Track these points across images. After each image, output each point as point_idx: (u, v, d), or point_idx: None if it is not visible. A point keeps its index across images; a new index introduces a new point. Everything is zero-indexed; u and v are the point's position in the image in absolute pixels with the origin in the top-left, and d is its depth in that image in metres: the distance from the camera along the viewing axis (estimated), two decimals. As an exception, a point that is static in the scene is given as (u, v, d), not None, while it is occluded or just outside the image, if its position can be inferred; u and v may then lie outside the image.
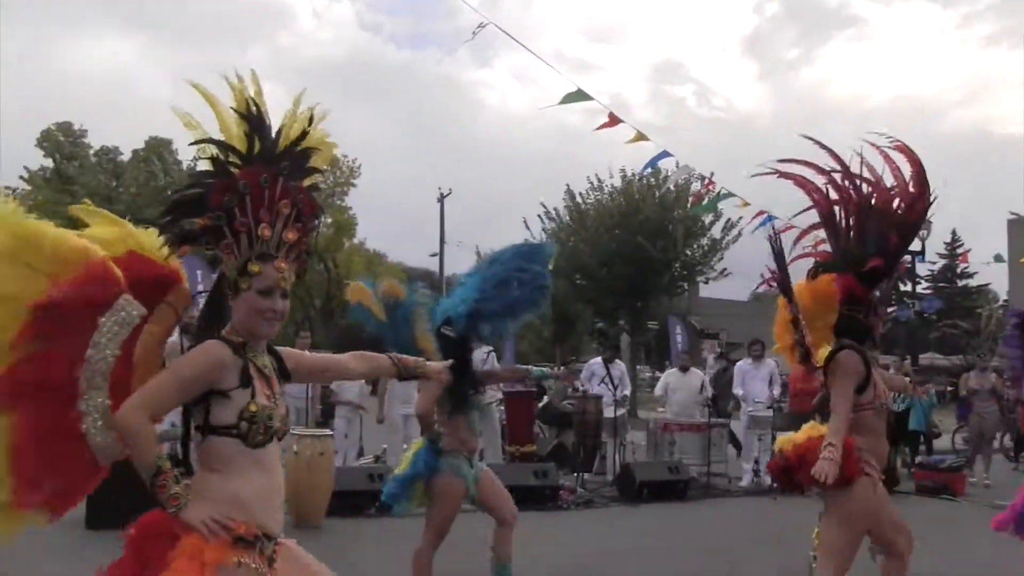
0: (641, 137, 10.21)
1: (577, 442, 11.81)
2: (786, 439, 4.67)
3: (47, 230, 2.42)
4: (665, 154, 11.09)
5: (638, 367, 31.87)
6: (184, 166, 35.75)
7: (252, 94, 2.70)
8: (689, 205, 25.79)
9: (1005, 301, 42.48)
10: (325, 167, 2.91)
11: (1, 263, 2.35)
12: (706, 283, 32.60)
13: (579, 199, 29.86)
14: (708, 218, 28.36)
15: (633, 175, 28.87)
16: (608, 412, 11.73)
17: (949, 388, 22.08)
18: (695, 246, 29.69)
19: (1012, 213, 42.99)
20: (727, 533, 8.75)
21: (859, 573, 4.54)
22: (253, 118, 2.65)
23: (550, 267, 5.23)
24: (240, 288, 2.64)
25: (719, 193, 10.71)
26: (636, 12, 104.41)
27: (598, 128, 9.85)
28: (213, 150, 2.69)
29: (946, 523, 9.23)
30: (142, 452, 2.50)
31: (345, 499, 8.56)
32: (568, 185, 30.17)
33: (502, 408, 12.09)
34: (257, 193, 2.63)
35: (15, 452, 2.38)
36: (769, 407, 11.81)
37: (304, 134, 2.75)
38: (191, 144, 2.68)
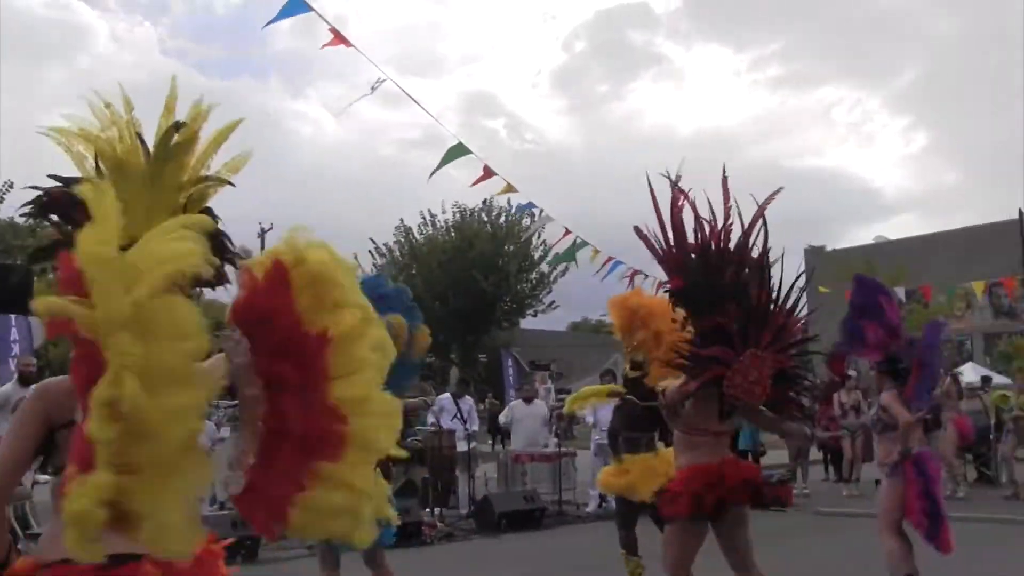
0: (510, 189, 10.66)
1: (432, 477, 11.98)
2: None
3: None
4: (530, 205, 11.55)
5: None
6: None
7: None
8: (547, 251, 26.57)
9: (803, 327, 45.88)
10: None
11: None
12: (535, 316, 33.56)
13: (413, 235, 30.20)
14: (538, 253, 29.37)
15: (466, 209, 29.52)
16: (460, 446, 12.00)
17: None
18: (525, 280, 30.58)
19: (809, 245, 46.93)
20: (587, 557, 9.18)
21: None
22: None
23: None
24: None
25: (575, 242, 11.25)
26: (448, 45, 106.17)
27: (473, 184, 10.28)
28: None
29: (782, 531, 9.97)
30: None
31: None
32: (402, 220, 30.47)
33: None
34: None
35: None
36: (615, 434, 12.34)
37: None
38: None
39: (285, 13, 8.11)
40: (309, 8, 8.30)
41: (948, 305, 30.62)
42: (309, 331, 2.20)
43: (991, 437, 13.58)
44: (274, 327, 2.22)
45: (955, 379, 14.00)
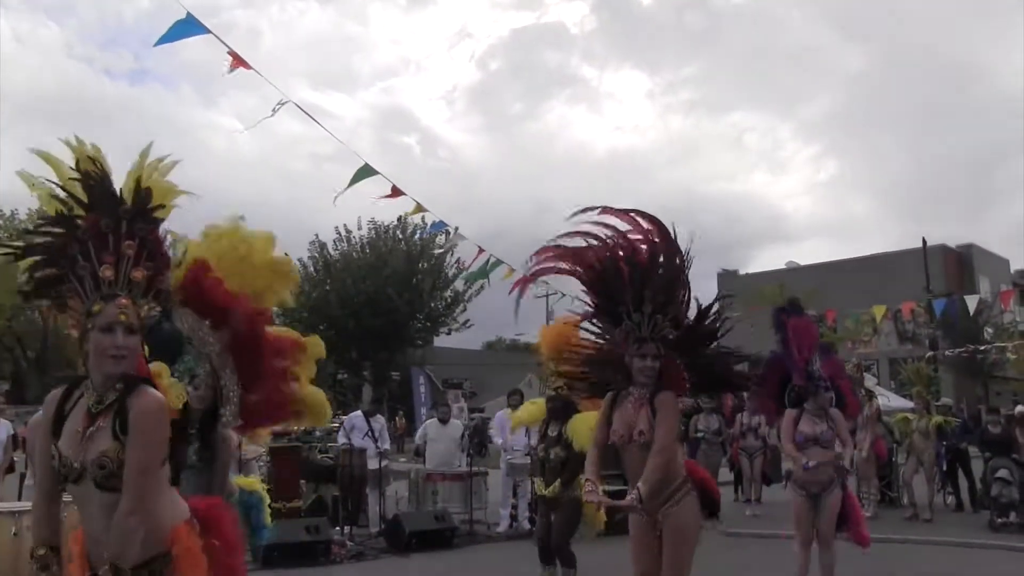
0: (420, 209, 10.63)
1: (343, 495, 11.78)
2: None
3: None
4: (442, 224, 11.53)
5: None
6: None
7: (91, 154, 2.81)
8: (461, 270, 26.40)
9: (721, 349, 47.04)
10: (167, 212, 3.00)
11: None
12: (448, 334, 33.47)
13: (327, 251, 29.89)
14: (452, 271, 29.32)
15: (381, 226, 29.33)
16: (371, 465, 11.84)
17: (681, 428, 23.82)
18: (439, 298, 30.51)
19: (722, 269, 48.12)
20: (497, 576, 9.16)
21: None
22: (91, 172, 2.77)
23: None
24: (87, 328, 2.69)
25: (488, 261, 11.27)
26: (363, 60, 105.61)
27: (379, 198, 10.16)
28: (58, 205, 2.78)
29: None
30: None
31: None
32: (317, 235, 30.14)
33: (264, 462, 11.81)
34: (99, 238, 2.74)
35: None
36: (527, 455, 12.34)
37: (139, 184, 2.88)
38: (34, 193, 2.79)
39: (179, 33, 7.80)
40: (206, 30, 8.04)
41: (855, 330, 31.71)
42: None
43: (894, 460, 14.00)
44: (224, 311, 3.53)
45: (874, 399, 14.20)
